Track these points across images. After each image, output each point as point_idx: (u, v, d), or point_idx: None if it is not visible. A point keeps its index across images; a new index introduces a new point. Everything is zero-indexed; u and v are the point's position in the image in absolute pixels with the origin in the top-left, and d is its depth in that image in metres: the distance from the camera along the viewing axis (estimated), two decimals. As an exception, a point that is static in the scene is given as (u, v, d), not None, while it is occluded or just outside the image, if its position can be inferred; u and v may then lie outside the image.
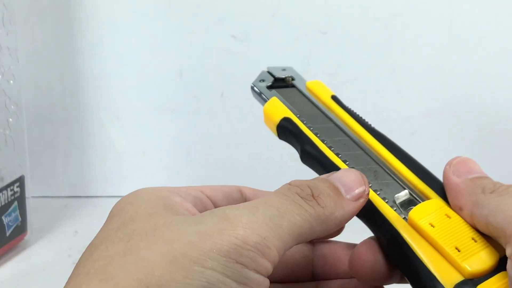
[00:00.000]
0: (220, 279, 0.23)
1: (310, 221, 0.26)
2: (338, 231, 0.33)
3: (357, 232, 0.31)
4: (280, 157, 0.65)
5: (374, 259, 0.29)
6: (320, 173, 0.33)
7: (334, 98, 0.36)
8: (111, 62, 0.62)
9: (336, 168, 0.31)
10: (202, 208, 0.29)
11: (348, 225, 0.30)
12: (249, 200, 0.29)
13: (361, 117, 0.35)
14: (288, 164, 0.65)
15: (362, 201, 0.28)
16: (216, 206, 0.30)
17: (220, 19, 0.61)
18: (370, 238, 0.30)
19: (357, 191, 0.28)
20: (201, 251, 0.23)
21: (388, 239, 0.28)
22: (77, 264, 0.25)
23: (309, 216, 0.26)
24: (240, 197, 0.32)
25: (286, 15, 0.61)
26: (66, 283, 0.24)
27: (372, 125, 0.34)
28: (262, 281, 0.24)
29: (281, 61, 0.62)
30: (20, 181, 0.51)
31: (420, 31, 0.62)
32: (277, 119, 0.35)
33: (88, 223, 0.58)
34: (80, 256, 0.26)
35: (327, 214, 0.27)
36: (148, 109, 0.63)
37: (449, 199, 0.29)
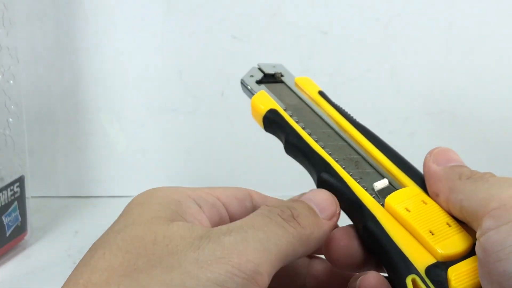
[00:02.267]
0: None
1: (293, 242, 0.27)
2: (317, 250, 0.33)
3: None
4: (280, 157, 0.65)
5: (349, 244, 0.30)
6: (303, 162, 0.34)
7: (321, 93, 0.37)
8: (111, 62, 0.62)
9: (319, 158, 0.32)
10: (217, 219, 0.30)
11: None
12: (258, 207, 0.30)
13: (346, 111, 0.36)
14: (288, 164, 0.65)
15: (335, 220, 0.29)
16: (230, 215, 0.31)
17: (220, 19, 0.61)
18: (348, 225, 0.31)
19: (330, 211, 0.29)
20: (199, 281, 0.23)
21: (364, 223, 0.29)
22: (75, 268, 0.25)
23: (293, 238, 0.27)
24: (251, 206, 0.32)
25: (286, 15, 0.61)
26: None
27: (356, 119, 0.35)
28: None
29: (281, 61, 0.62)
30: (20, 181, 0.51)
31: (420, 31, 0.62)
32: (263, 111, 0.36)
33: (88, 223, 0.58)
34: (81, 256, 0.26)
35: (307, 234, 0.27)
36: (148, 109, 0.63)
37: (427, 186, 0.30)
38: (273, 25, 0.61)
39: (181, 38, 0.61)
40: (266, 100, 0.36)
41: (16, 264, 0.50)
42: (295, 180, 0.65)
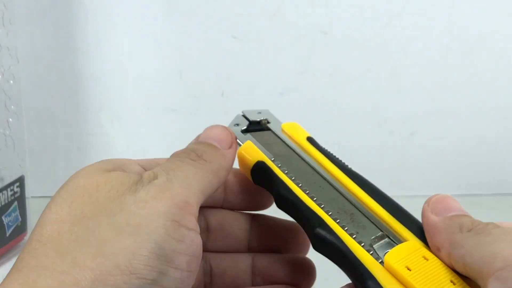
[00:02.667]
0: (165, 238, 0.26)
1: (207, 176, 0.30)
2: (265, 203, 0.35)
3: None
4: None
5: None
6: (296, 218, 0.32)
7: (310, 139, 0.35)
8: (111, 62, 0.62)
9: (312, 213, 0.30)
10: None
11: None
12: None
13: (337, 158, 0.34)
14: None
15: (234, 146, 0.33)
16: None
17: (220, 19, 0.61)
18: (346, 285, 0.29)
19: (227, 141, 0.32)
20: (141, 216, 0.26)
21: (363, 285, 0.27)
22: (32, 231, 0.27)
23: (206, 172, 0.30)
24: None
25: (286, 15, 0.61)
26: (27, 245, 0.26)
27: (348, 166, 0.34)
28: (194, 236, 0.27)
29: (281, 61, 0.62)
30: (20, 181, 0.51)
31: (420, 31, 0.62)
32: (251, 163, 0.34)
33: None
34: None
35: (216, 166, 0.31)
36: (148, 109, 0.63)
37: (428, 239, 0.28)
38: (273, 25, 0.61)
39: (181, 38, 0.61)
40: (253, 151, 0.34)
41: (16, 264, 0.50)
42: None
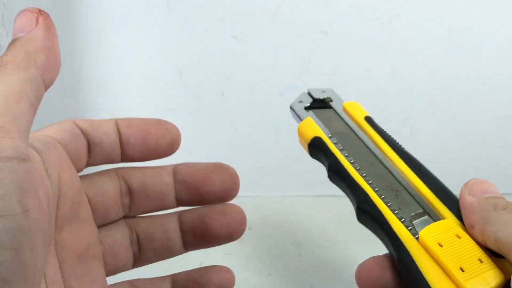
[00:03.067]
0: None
1: (17, 77, 0.24)
2: (167, 150, 0.33)
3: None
4: (279, 157, 0.65)
5: (380, 274, 0.30)
6: (345, 191, 0.34)
7: (368, 118, 0.38)
8: (111, 62, 0.62)
9: (359, 189, 0.33)
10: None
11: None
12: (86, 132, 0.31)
13: (391, 138, 0.37)
14: (287, 164, 0.65)
15: (44, 21, 0.27)
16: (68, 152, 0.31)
17: (220, 19, 0.61)
18: (383, 255, 0.31)
19: (29, 22, 0.26)
20: None
21: (397, 257, 0.29)
22: None
23: (16, 77, 0.24)
24: (80, 133, 0.32)
25: (286, 15, 0.61)
26: None
27: (401, 145, 0.36)
28: (15, 165, 0.22)
29: (281, 61, 0.62)
30: (20, 181, 0.51)
31: (420, 31, 0.62)
32: (309, 138, 0.37)
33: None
34: None
35: (21, 57, 0.25)
36: (148, 109, 0.63)
37: (463, 218, 0.30)
38: (273, 25, 0.61)
39: (181, 38, 0.61)
40: (312, 127, 0.37)
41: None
42: (295, 180, 0.66)
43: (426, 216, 0.31)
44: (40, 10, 0.27)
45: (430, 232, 0.29)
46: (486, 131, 0.65)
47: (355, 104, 0.40)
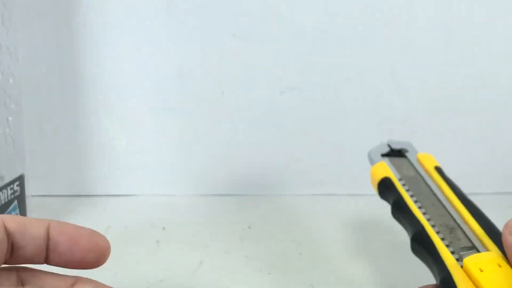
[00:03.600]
0: None
1: None
2: (94, 264, 0.32)
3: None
4: (279, 157, 0.65)
5: None
6: (403, 223, 0.37)
7: (437, 168, 0.41)
8: (111, 62, 0.62)
9: (415, 220, 0.36)
10: None
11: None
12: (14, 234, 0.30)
13: (457, 187, 0.39)
14: (287, 164, 0.65)
15: None
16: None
17: (220, 19, 0.61)
18: (432, 285, 0.34)
19: None
20: None
21: (441, 280, 0.32)
22: None
23: None
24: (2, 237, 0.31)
25: (286, 15, 0.61)
26: None
27: (463, 192, 0.38)
28: None
29: (281, 60, 0.62)
30: (20, 180, 0.51)
31: (420, 31, 0.62)
32: (379, 178, 0.40)
33: (88, 222, 0.57)
34: None
35: None
36: (148, 109, 0.63)
37: (508, 258, 0.31)
38: (273, 25, 0.61)
39: (181, 38, 0.61)
40: (383, 169, 0.41)
41: (16, 263, 0.50)
42: (295, 180, 0.65)
43: (474, 250, 0.33)
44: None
45: (474, 260, 0.31)
46: (486, 131, 0.65)
47: (428, 156, 0.43)
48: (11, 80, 0.49)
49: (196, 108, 0.63)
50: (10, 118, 0.49)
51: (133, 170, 0.64)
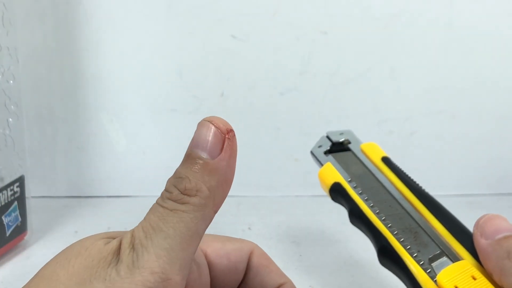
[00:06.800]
0: None
1: (194, 223, 0.24)
2: None
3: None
4: (279, 157, 0.65)
5: None
6: (365, 232, 0.36)
7: (384, 159, 0.40)
8: (111, 62, 0.62)
9: (379, 233, 0.34)
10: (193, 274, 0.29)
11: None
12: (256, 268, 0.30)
13: (408, 177, 0.38)
14: (287, 164, 0.65)
15: (229, 149, 0.25)
16: (213, 273, 0.31)
17: (220, 19, 0.61)
18: None
19: (218, 146, 0.25)
20: None
21: None
22: None
23: (191, 220, 0.24)
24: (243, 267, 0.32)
25: (286, 15, 0.61)
26: None
27: (418, 184, 0.37)
28: None
29: (281, 61, 0.62)
30: (20, 181, 0.51)
31: (420, 31, 0.62)
32: (329, 184, 0.39)
33: (88, 223, 0.58)
34: None
35: (204, 197, 0.24)
36: (148, 109, 0.63)
37: (481, 261, 0.30)
38: (273, 25, 0.61)
39: (181, 38, 0.61)
40: (331, 173, 0.40)
41: (16, 264, 0.50)
42: (295, 180, 0.66)
43: (444, 258, 0.32)
44: (228, 131, 0.26)
45: (447, 275, 0.30)
46: (486, 131, 0.65)
47: (372, 145, 0.42)
48: (11, 82, 0.49)
49: (196, 108, 0.63)
50: (10, 119, 0.49)
51: (133, 170, 0.64)
